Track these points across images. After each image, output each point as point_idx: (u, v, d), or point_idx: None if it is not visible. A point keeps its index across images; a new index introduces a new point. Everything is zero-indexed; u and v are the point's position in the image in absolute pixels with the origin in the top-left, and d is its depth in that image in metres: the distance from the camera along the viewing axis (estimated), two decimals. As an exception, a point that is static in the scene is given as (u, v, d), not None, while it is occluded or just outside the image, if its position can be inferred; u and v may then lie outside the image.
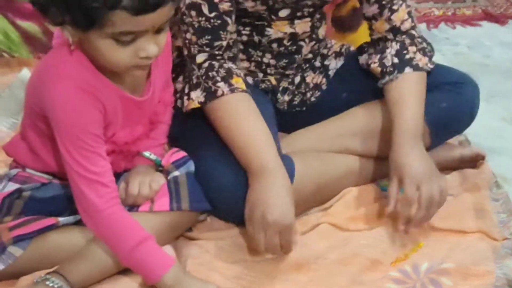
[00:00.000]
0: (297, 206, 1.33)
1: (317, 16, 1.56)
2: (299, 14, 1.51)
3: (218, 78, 1.40)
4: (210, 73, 1.41)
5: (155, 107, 1.33)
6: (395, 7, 1.53)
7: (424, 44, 1.56)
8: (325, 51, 1.66)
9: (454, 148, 1.67)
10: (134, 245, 1.18)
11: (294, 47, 1.55)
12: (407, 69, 1.50)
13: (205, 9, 1.39)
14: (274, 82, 1.61)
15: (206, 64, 1.42)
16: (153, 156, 1.36)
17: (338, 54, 1.68)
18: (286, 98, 1.63)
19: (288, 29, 1.52)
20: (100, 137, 1.20)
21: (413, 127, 1.43)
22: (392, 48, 1.54)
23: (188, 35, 1.42)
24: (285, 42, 1.54)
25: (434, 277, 1.33)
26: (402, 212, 1.37)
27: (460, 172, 1.62)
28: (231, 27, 1.43)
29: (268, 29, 1.51)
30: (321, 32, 1.60)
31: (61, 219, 1.25)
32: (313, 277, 1.32)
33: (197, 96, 1.41)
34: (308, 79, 1.64)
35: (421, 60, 1.52)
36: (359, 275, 1.33)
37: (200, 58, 1.42)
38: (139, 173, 1.32)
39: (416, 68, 1.51)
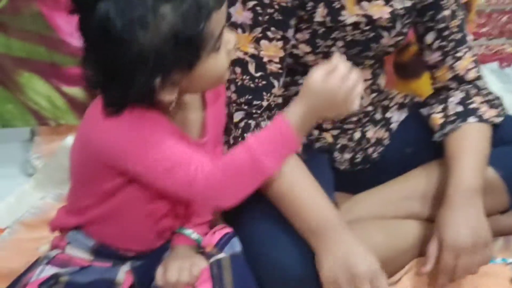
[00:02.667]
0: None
1: (377, 65, 1.47)
2: (360, 67, 1.41)
3: None
4: (245, 135, 1.29)
5: None
6: (459, 54, 1.43)
7: (491, 97, 1.44)
8: (386, 103, 1.55)
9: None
10: (251, 157, 1.11)
11: None
12: (471, 119, 1.39)
13: (251, 68, 1.30)
14: (330, 139, 1.49)
15: (242, 124, 1.30)
16: (194, 235, 1.26)
17: (401, 106, 1.56)
18: (347, 156, 1.52)
19: None
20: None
21: (469, 184, 1.29)
22: (456, 97, 1.43)
23: (229, 93, 1.31)
24: None
25: None
26: (439, 277, 1.26)
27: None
28: (277, 90, 1.32)
29: None
30: (381, 82, 1.50)
31: None
32: None
33: None
34: (369, 134, 1.52)
35: (487, 112, 1.41)
36: None
37: (236, 117, 1.31)
38: (178, 257, 1.22)
39: (481, 119, 1.39)
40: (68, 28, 1.66)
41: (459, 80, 1.45)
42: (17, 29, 1.65)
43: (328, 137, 1.49)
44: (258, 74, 1.30)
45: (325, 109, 1.15)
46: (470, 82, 1.45)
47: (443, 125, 1.41)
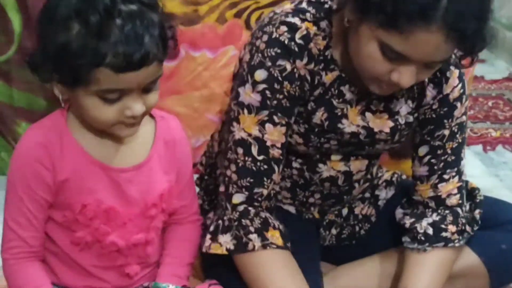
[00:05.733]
0: None
1: (373, 158, 1.46)
2: (353, 158, 1.42)
3: (252, 229, 1.28)
4: (243, 221, 1.28)
5: (150, 204, 1.22)
6: (446, 177, 1.39)
7: (467, 227, 1.41)
8: (375, 181, 1.56)
9: (516, 292, 1.53)
10: None
11: (346, 188, 1.45)
12: (439, 244, 1.37)
13: (254, 150, 1.28)
14: (317, 216, 1.51)
15: (241, 208, 1.29)
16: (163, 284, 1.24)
17: (388, 183, 1.58)
18: (334, 231, 1.53)
19: (342, 167, 1.41)
20: (36, 192, 1.16)
21: None
22: (431, 218, 1.40)
23: (229, 172, 1.30)
24: (339, 182, 1.43)
25: None
26: None
27: (523, 320, 1.48)
28: (276, 177, 1.31)
29: (320, 164, 1.40)
30: (374, 170, 1.50)
31: None
32: None
33: (225, 241, 1.28)
34: (356, 210, 1.54)
35: (456, 242, 1.38)
36: None
37: (236, 199, 1.29)
38: None
39: (449, 243, 1.37)
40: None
41: (439, 202, 1.40)
42: (20, 80, 1.68)
43: (315, 213, 1.50)
44: (260, 158, 1.28)
45: None
46: (449, 207, 1.40)
47: (411, 239, 1.39)
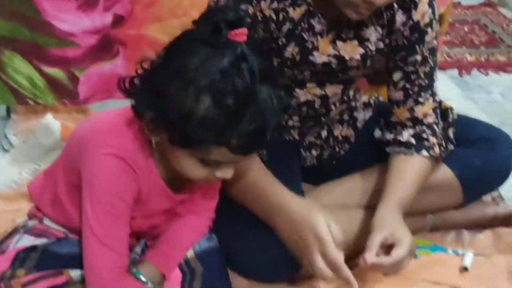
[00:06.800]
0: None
1: (348, 82, 1.51)
2: (328, 84, 1.46)
3: None
4: None
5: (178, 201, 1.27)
6: (421, 100, 1.44)
7: (443, 143, 1.47)
8: (353, 104, 1.61)
9: (487, 205, 1.61)
10: None
11: (323, 111, 1.50)
12: (424, 152, 1.43)
13: None
14: (297, 137, 1.56)
15: None
16: (150, 285, 1.24)
17: (366, 105, 1.63)
18: (314, 153, 1.58)
19: (318, 91, 1.46)
20: (130, 206, 1.17)
21: (401, 206, 1.36)
22: (411, 130, 1.46)
23: None
24: (315, 105, 1.48)
25: None
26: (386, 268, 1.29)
27: (493, 231, 1.56)
28: None
29: (297, 89, 1.45)
30: (351, 92, 1.55)
31: (74, 275, 1.22)
32: None
33: None
34: (336, 132, 1.59)
35: (437, 152, 1.45)
36: None
37: None
38: None
39: (432, 154, 1.44)
40: (53, 12, 1.69)
41: (416, 121, 1.46)
42: (2, 7, 1.67)
43: (295, 135, 1.55)
44: None
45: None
46: (427, 124, 1.46)
47: (396, 146, 1.45)
